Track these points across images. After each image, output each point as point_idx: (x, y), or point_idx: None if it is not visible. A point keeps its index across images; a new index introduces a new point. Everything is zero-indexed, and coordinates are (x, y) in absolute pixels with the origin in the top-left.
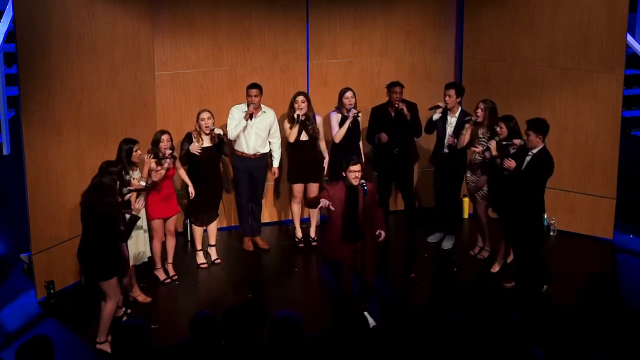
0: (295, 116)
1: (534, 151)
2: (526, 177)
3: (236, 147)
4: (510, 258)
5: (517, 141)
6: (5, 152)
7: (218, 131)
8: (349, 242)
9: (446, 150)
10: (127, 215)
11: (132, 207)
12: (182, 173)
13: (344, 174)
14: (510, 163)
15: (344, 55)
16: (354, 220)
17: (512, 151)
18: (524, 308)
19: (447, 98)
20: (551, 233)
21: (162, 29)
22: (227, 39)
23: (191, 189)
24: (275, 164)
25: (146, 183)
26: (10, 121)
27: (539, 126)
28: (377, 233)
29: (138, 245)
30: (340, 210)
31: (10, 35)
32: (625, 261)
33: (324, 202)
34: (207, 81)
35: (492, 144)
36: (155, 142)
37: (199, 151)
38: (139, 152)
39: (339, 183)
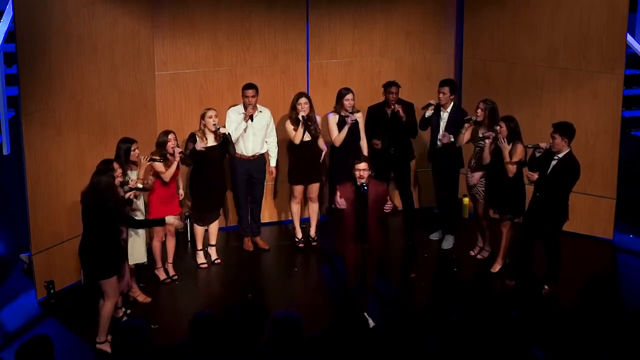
0: (301, 117)
1: (560, 155)
2: (552, 181)
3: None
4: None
5: (543, 144)
6: (5, 152)
7: (224, 130)
8: (357, 242)
9: (439, 145)
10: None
11: (144, 184)
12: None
13: (353, 174)
14: (532, 176)
15: (344, 55)
16: (361, 220)
17: (537, 155)
18: (524, 308)
19: (440, 95)
20: None
21: (162, 29)
22: (227, 39)
23: (181, 192)
24: (273, 163)
25: (143, 186)
26: (10, 121)
27: (565, 129)
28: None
29: (135, 244)
30: (350, 210)
31: (10, 35)
32: (625, 261)
33: (341, 203)
34: (207, 81)
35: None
36: (163, 143)
37: (204, 148)
38: (137, 151)
39: (348, 183)
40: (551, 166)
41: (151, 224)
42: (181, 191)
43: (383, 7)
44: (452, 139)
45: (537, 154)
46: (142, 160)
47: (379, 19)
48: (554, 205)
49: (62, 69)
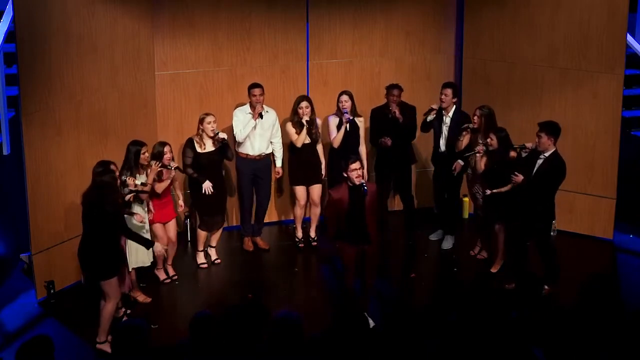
0: (305, 122)
1: (546, 154)
2: (538, 180)
3: (240, 150)
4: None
5: (529, 144)
6: (5, 152)
7: (222, 135)
8: (353, 243)
9: (443, 149)
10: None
11: (148, 184)
12: (177, 186)
13: (345, 175)
14: (518, 178)
15: (344, 55)
16: (358, 221)
17: (524, 155)
18: (524, 308)
19: (443, 97)
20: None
21: (162, 29)
22: (227, 39)
23: (181, 202)
24: (279, 163)
25: (145, 185)
26: (10, 121)
27: (551, 128)
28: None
29: (139, 248)
30: (345, 211)
31: (10, 35)
32: (625, 261)
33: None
34: (207, 81)
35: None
36: (159, 155)
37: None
38: (146, 154)
39: (342, 185)
40: (537, 165)
41: (141, 241)
42: (181, 202)
43: (383, 7)
44: (462, 163)
45: (523, 154)
46: (153, 165)
47: (379, 19)
48: (542, 205)
49: (62, 69)
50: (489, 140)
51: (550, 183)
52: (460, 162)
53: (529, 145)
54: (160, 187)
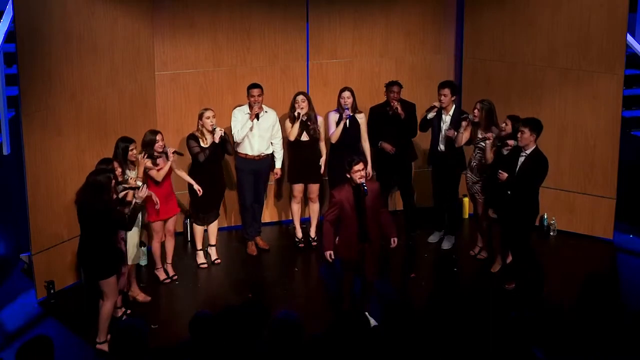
0: (296, 114)
1: (528, 152)
2: (521, 178)
3: (239, 150)
4: (510, 259)
5: (511, 142)
6: (5, 152)
7: (220, 132)
8: (358, 242)
9: (441, 148)
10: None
11: (136, 195)
12: (181, 173)
13: (348, 176)
14: (502, 175)
15: (344, 55)
16: (361, 221)
17: (505, 152)
18: (524, 308)
19: (442, 97)
20: (551, 233)
21: (162, 29)
22: (227, 39)
23: (197, 187)
24: (278, 164)
25: (142, 182)
26: (10, 121)
27: (535, 124)
28: (392, 241)
29: (134, 244)
30: (351, 211)
31: (10, 35)
32: (625, 261)
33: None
34: (207, 81)
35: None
36: (150, 143)
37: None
38: (134, 151)
39: (344, 186)
40: (519, 163)
41: (133, 216)
42: (196, 186)
43: (383, 7)
44: (456, 133)
45: (505, 152)
46: (139, 158)
47: (379, 19)
48: (524, 202)
49: (62, 69)
50: (503, 125)
51: (533, 180)
52: (454, 131)
53: (511, 142)
54: (159, 175)
